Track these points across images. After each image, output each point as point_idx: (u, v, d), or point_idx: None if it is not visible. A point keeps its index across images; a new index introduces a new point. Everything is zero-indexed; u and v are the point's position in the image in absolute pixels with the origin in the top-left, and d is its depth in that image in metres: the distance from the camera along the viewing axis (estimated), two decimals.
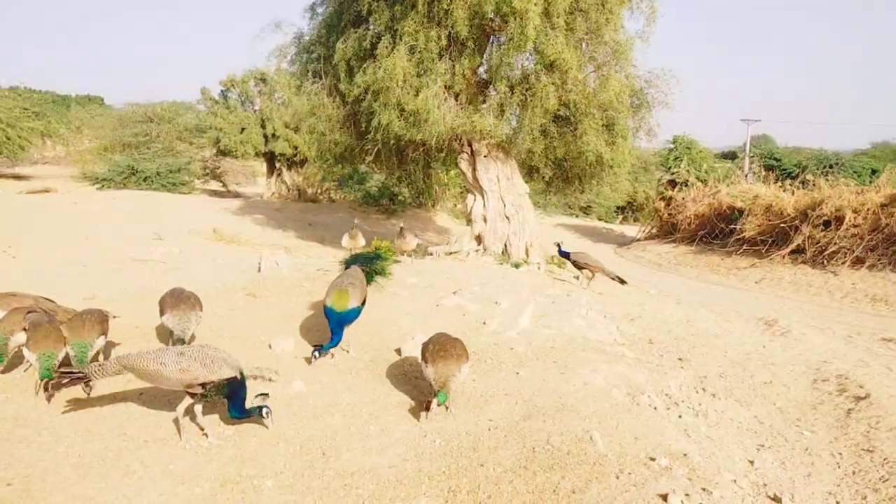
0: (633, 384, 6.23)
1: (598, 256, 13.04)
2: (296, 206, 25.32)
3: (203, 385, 4.82)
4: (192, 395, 4.90)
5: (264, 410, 5.02)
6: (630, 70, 13.34)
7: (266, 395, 5.15)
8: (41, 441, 4.83)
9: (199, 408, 5.01)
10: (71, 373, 4.91)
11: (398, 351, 7.02)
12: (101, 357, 6.04)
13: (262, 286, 9.44)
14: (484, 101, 13.70)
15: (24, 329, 5.65)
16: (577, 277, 13.01)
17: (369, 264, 7.92)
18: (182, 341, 6.05)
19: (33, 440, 4.84)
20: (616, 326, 8.55)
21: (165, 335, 6.44)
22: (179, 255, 12.16)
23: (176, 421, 5.01)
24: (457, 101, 13.08)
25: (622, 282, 11.74)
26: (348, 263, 8.09)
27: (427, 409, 5.43)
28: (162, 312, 6.27)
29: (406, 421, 5.43)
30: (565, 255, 11.96)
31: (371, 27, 13.07)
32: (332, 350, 6.76)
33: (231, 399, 4.96)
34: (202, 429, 5.02)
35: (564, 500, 4.32)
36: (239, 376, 4.94)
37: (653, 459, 4.77)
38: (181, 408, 4.98)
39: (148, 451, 4.76)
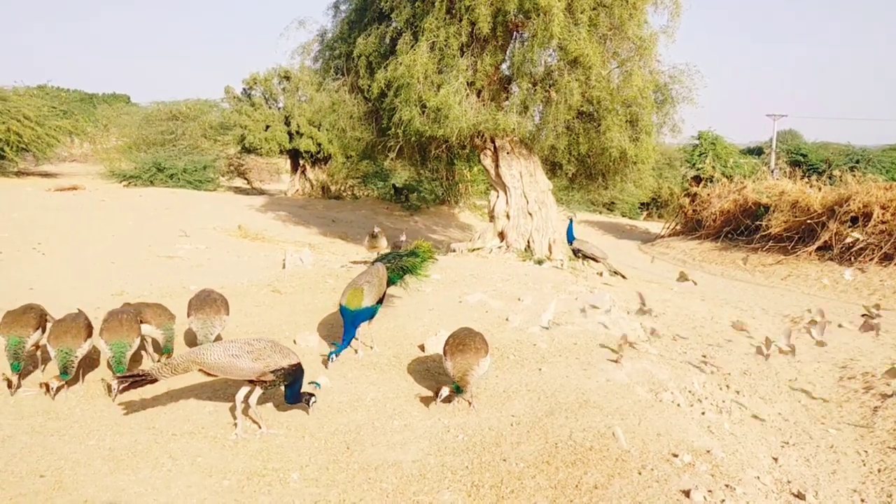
0: (656, 381, 6.23)
1: (617, 252, 13.05)
2: (319, 203, 25.47)
3: (274, 372, 4.99)
4: (261, 384, 5.07)
5: (312, 399, 5.33)
6: (654, 66, 13.26)
7: (317, 384, 5.63)
8: (72, 434, 4.96)
9: (254, 398, 5.15)
10: (134, 375, 4.94)
11: (422, 347, 7.07)
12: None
13: (287, 283, 9.54)
14: (507, 98, 13.68)
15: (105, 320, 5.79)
16: (601, 274, 12.99)
17: (399, 261, 7.66)
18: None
19: (65, 433, 4.96)
20: (640, 323, 8.53)
21: (192, 334, 6.49)
22: (205, 252, 12.32)
23: (238, 409, 5.15)
24: (479, 97, 13.09)
25: (623, 276, 11.80)
26: (377, 260, 8.01)
27: (446, 399, 5.56)
28: (188, 314, 6.33)
29: (429, 416, 5.49)
30: (570, 240, 12.13)
31: (392, 24, 13.12)
32: (354, 346, 6.84)
33: (291, 385, 5.21)
34: (256, 422, 5.15)
35: (587, 495, 4.34)
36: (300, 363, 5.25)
37: (675, 455, 4.77)
38: (241, 395, 5.14)
39: (176, 444, 4.86)
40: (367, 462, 4.77)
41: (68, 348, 5.47)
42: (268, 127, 26.69)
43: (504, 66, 13.82)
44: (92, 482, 4.37)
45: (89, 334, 5.69)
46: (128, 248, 12.17)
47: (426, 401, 5.68)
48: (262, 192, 28.99)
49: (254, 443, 4.96)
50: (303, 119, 26.30)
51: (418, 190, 25.44)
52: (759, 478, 4.72)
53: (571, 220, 13.25)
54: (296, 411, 5.46)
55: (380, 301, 6.93)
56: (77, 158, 36.50)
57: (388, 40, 13.15)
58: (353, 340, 6.78)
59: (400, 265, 7.61)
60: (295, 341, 7.09)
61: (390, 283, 7.40)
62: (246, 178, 30.95)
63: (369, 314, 6.71)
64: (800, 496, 4.61)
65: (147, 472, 4.52)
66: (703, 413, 5.77)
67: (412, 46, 12.40)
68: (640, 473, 4.56)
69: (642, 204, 34.14)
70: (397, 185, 26.26)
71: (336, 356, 6.39)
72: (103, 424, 5.12)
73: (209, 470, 4.58)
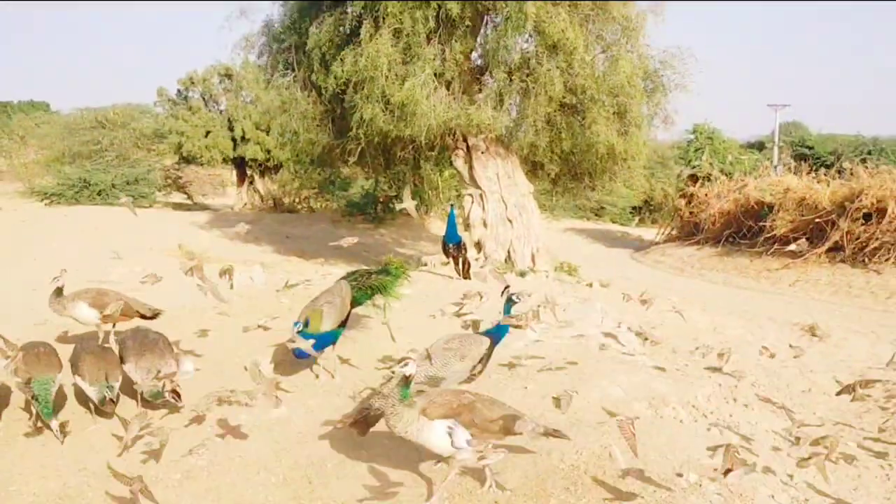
0: (655, 395, 6.27)
1: (608, 262, 13.11)
2: (271, 217, 25.34)
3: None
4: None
5: None
6: (642, 49, 13.38)
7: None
8: None
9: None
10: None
11: (392, 370, 7.03)
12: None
13: (235, 304, 9.45)
14: (480, 90, 13.67)
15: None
16: (590, 285, 13.06)
17: (367, 279, 7.48)
18: (157, 396, 5.65)
19: None
20: (635, 335, 8.59)
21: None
22: (140, 275, 12.15)
23: None
24: (449, 90, 13.05)
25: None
26: (343, 278, 7.85)
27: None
28: (123, 361, 5.81)
29: (403, 443, 5.45)
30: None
31: (349, 9, 13.01)
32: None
33: None
34: None
35: None
36: None
37: (680, 475, 4.80)
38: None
39: (111, 487, 4.76)
40: (332, 497, 4.73)
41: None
42: (208, 133, 26.50)
43: (476, 55, 13.86)
44: None
45: None
46: (51, 273, 11.94)
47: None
48: (205, 208, 28.76)
49: (202, 481, 4.90)
50: (248, 123, 26.16)
51: (381, 201, 25.33)
52: (773, 497, 4.76)
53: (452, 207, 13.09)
54: (249, 445, 5.40)
55: (343, 324, 6.86)
56: None
57: (344, 29, 13.07)
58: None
59: (368, 284, 7.47)
60: (246, 367, 7.02)
61: (356, 303, 7.30)
62: (186, 192, 30.68)
63: (330, 339, 6.63)
64: None
65: None
66: (708, 429, 5.81)
67: (373, 35, 12.32)
68: (641, 498, 4.58)
69: (634, 208, 34.42)
70: (355, 200, 26.12)
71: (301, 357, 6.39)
72: (26, 468, 5.02)
73: None
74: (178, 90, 27.89)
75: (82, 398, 5.86)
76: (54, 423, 5.33)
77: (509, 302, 6.15)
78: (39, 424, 5.48)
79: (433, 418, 4.41)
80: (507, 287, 6.16)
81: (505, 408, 4.64)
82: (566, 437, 4.79)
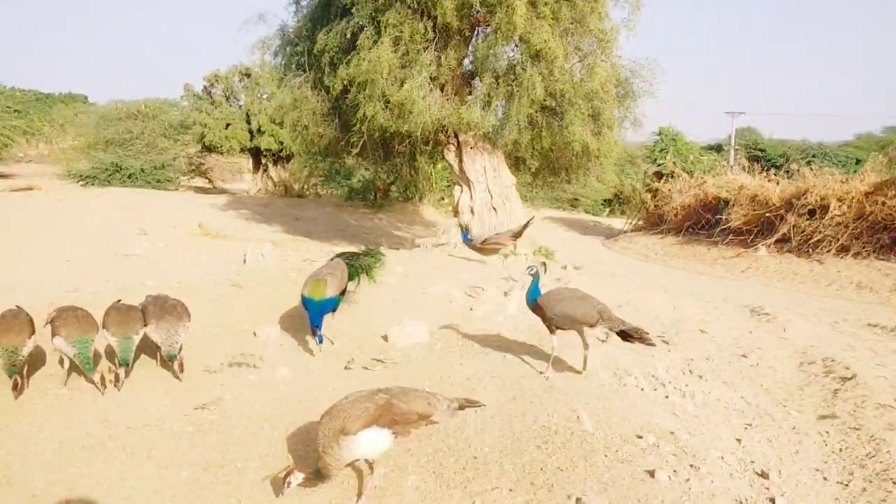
0: (619, 366, 6.22)
1: (582, 248, 13.08)
2: (282, 201, 25.21)
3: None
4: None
5: None
6: (615, 59, 13.32)
7: None
8: (21, 428, 4.77)
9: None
10: None
11: (385, 338, 6.98)
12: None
13: (248, 277, 9.37)
14: (470, 93, 13.59)
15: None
16: (565, 267, 13.02)
17: (355, 260, 7.57)
18: (172, 357, 5.61)
19: (13, 427, 4.77)
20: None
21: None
22: (164, 250, 12.06)
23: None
24: (442, 92, 13.01)
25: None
26: (336, 256, 7.93)
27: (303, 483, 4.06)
28: (145, 323, 5.70)
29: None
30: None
31: (354, 18, 12.97)
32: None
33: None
34: None
35: (552, 477, 4.30)
36: None
37: (640, 437, 4.76)
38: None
39: (131, 437, 4.71)
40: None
41: (14, 346, 5.24)
42: (228, 125, 26.37)
43: (467, 62, 13.77)
44: (41, 476, 4.20)
45: (33, 331, 5.44)
46: (84, 246, 11.87)
47: None
48: (223, 192, 28.62)
49: (212, 434, 4.83)
50: (264, 117, 26.05)
51: (380, 188, 25.22)
52: (723, 458, 4.72)
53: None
54: (255, 403, 5.34)
55: (342, 293, 6.84)
56: (33, 159, 35.67)
57: (350, 36, 13.00)
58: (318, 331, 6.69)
59: (358, 264, 7.52)
60: (255, 333, 6.95)
61: (349, 278, 7.30)
62: (207, 178, 30.55)
63: (332, 305, 6.60)
64: (763, 475, 4.61)
65: (100, 465, 4.36)
66: (666, 397, 5.76)
67: (375, 42, 12.29)
68: (605, 455, 4.53)
69: (605, 200, 34.40)
70: (356, 187, 26.05)
71: (322, 342, 6.41)
72: (54, 418, 4.93)
73: (165, 462, 4.44)
74: (204, 86, 27.68)
75: (109, 356, 5.79)
76: (96, 377, 5.30)
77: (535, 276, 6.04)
78: (67, 380, 5.41)
79: (355, 432, 3.91)
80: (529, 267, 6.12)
81: (419, 394, 4.27)
82: (481, 404, 4.63)
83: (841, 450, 5.23)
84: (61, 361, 5.55)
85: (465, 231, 13.38)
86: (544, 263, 6.95)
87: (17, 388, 5.17)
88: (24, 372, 5.30)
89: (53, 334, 5.36)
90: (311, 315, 6.37)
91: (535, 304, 5.94)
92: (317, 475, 3.99)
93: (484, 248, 12.18)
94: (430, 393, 4.37)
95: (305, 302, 6.41)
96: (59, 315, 5.49)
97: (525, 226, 12.38)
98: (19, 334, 5.27)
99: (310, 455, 4.59)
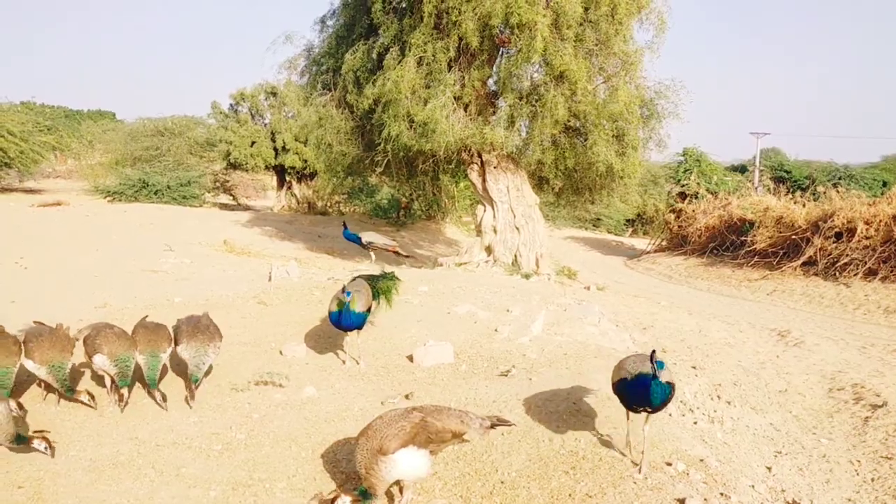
0: None
1: (604, 268, 13.00)
2: (305, 218, 25.34)
3: None
4: None
5: None
6: (639, 81, 13.28)
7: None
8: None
9: None
10: None
11: (410, 357, 6.98)
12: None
13: (273, 295, 9.42)
14: (493, 113, 13.64)
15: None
16: (588, 288, 12.97)
17: (373, 282, 7.53)
18: (195, 379, 5.62)
19: None
20: (629, 335, 8.49)
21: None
22: (190, 266, 12.17)
23: None
24: (466, 111, 13.06)
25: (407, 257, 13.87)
26: (356, 277, 7.93)
27: None
28: (177, 342, 5.76)
29: None
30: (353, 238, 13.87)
31: (380, 38, 13.10)
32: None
33: None
34: None
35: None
36: None
37: (669, 464, 4.71)
38: None
39: (160, 455, 4.74)
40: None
41: (59, 363, 5.28)
42: (253, 143, 26.57)
43: (491, 81, 13.81)
44: (71, 493, 4.23)
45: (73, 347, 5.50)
46: (111, 262, 12.00)
47: None
48: (247, 208, 28.83)
49: (240, 453, 4.85)
50: (289, 135, 26.24)
51: (404, 206, 25.32)
52: (753, 486, 4.66)
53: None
54: (282, 422, 5.35)
55: (368, 310, 6.86)
56: (61, 174, 36.20)
57: (375, 55, 13.12)
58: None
59: (377, 286, 7.53)
60: (282, 352, 6.98)
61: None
62: (232, 195, 30.76)
63: (360, 320, 6.62)
64: None
65: (129, 483, 4.39)
66: (695, 423, 5.71)
67: (399, 61, 12.39)
68: (634, 482, 4.48)
69: (628, 220, 34.26)
70: (381, 205, 26.22)
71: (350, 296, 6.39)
72: (84, 435, 4.98)
73: (194, 480, 4.46)
74: (230, 104, 27.98)
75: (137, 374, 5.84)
76: (125, 393, 5.39)
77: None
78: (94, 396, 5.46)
79: (393, 451, 3.92)
80: (653, 352, 5.47)
81: (452, 412, 4.26)
82: (511, 423, 4.60)
83: (873, 479, 5.14)
84: (98, 378, 5.61)
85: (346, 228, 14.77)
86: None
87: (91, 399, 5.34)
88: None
89: (94, 352, 5.39)
90: (341, 318, 6.40)
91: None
92: (363, 496, 4.00)
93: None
94: (463, 411, 4.37)
95: (333, 317, 6.43)
96: (97, 333, 5.53)
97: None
98: (63, 351, 5.34)
99: (337, 475, 4.59)
